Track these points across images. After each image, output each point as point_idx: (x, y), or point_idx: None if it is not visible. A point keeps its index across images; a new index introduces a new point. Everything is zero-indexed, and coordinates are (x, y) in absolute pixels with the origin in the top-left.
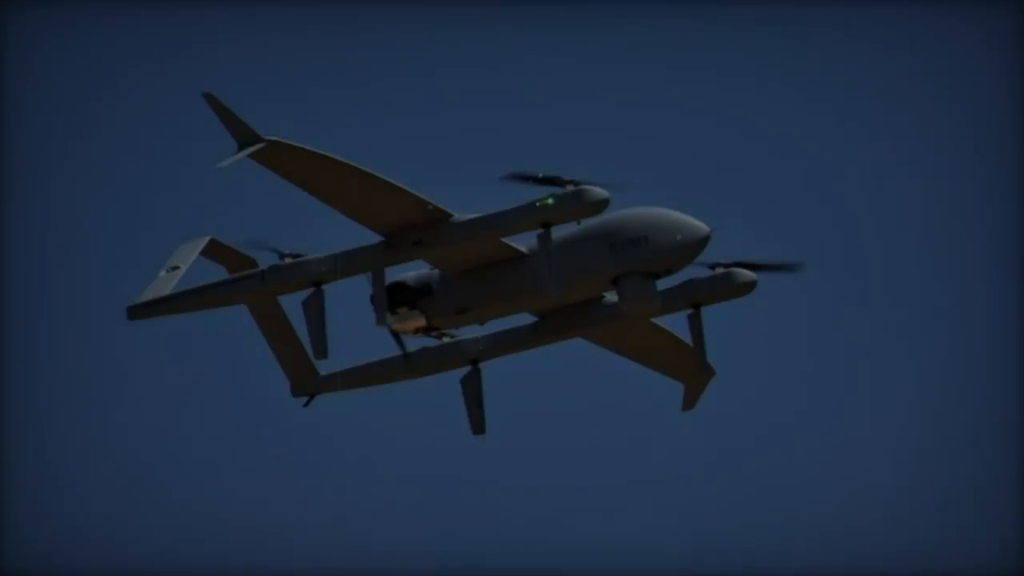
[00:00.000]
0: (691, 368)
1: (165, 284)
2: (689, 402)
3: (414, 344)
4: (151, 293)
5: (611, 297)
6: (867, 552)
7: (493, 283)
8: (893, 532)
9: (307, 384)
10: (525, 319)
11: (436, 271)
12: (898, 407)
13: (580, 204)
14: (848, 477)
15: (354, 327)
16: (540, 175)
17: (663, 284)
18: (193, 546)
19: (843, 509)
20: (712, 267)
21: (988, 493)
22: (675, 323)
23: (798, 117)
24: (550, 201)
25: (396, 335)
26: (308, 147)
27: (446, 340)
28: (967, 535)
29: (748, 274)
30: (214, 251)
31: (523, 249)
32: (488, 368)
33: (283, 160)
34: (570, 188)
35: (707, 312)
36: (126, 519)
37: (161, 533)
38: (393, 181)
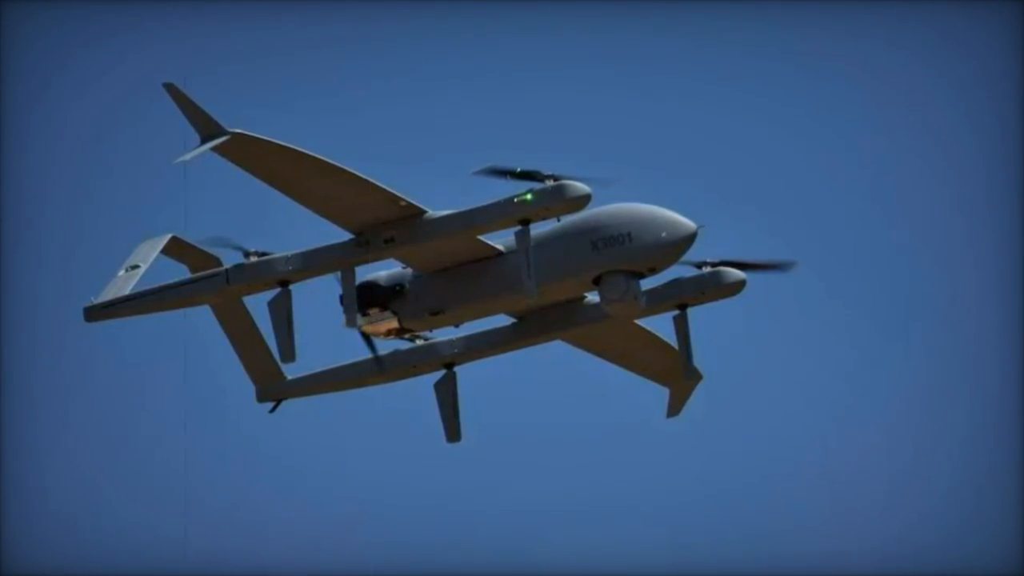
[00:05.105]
0: (677, 372)
1: (124, 284)
2: (675, 408)
3: (386, 347)
4: (109, 293)
5: (593, 297)
6: (864, 554)
7: (469, 283)
8: (891, 534)
9: (273, 388)
10: (502, 320)
11: (409, 270)
12: (894, 408)
13: (560, 200)
14: (844, 480)
15: (323, 329)
16: (518, 170)
17: (647, 284)
18: (157, 551)
19: (841, 511)
20: (699, 266)
21: (988, 493)
22: (660, 325)
23: (790, 114)
24: (529, 197)
25: (367, 337)
26: (274, 140)
27: (419, 342)
28: (967, 535)
29: (737, 274)
30: (176, 249)
31: (500, 247)
32: (463, 372)
33: (248, 154)
34: (550, 183)
35: (694, 313)
36: (81, 524)
37: (122, 540)
38: (364, 176)
